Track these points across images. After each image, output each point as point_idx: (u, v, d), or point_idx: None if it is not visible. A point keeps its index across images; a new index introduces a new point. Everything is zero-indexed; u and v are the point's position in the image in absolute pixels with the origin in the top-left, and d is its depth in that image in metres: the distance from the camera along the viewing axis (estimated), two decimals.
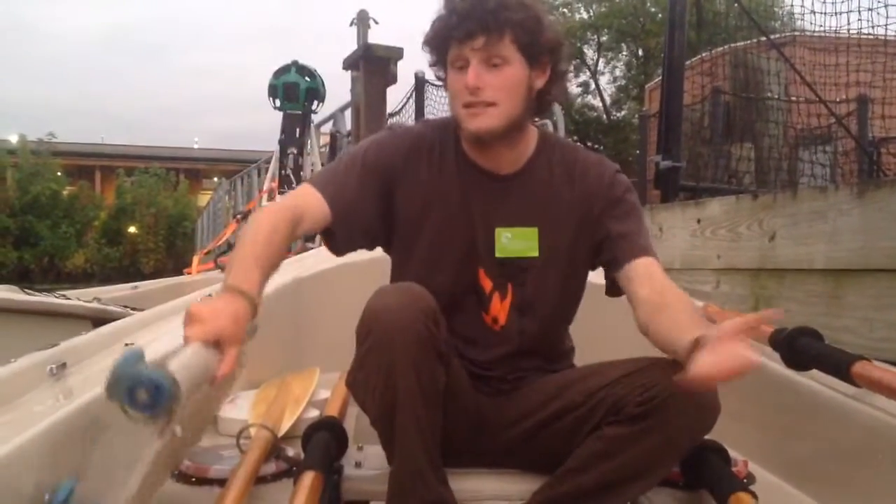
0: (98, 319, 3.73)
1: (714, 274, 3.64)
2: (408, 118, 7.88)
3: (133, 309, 4.22)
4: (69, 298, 4.16)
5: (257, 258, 1.41)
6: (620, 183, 1.69)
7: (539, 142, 1.70)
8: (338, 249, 1.68)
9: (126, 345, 2.11)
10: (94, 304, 4.10)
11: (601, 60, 27.99)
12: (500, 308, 1.66)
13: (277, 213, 1.55)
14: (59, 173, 33.80)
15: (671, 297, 1.53)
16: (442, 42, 1.58)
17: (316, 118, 8.69)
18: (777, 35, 6.87)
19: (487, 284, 1.66)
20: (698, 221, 3.80)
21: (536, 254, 1.64)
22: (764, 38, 6.20)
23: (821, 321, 2.85)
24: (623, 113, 27.47)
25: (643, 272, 1.58)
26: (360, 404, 1.59)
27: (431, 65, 1.65)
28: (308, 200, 1.59)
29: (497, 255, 1.64)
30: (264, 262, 1.42)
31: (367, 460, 1.71)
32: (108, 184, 36.76)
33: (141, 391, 1.13)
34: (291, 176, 8.06)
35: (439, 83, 1.70)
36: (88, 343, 2.09)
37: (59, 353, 1.86)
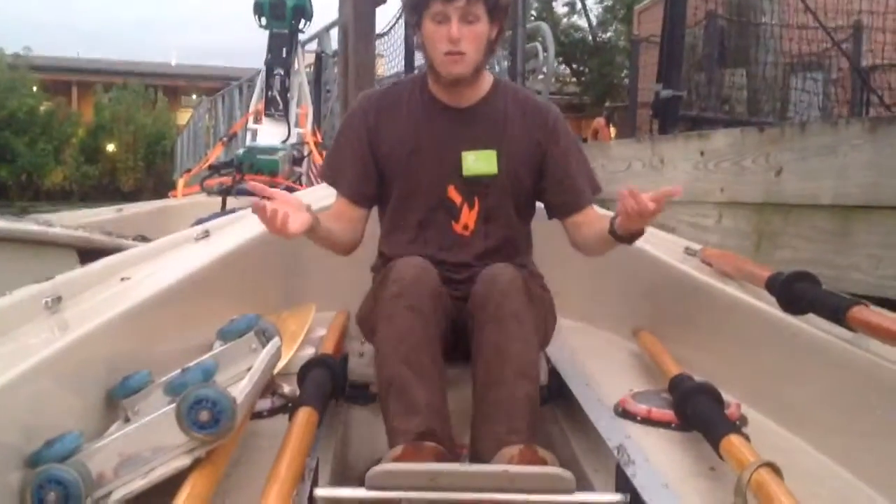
0: (84, 249, 3.70)
1: (716, 207, 3.58)
2: (397, 39, 7.70)
3: (118, 236, 4.18)
4: (53, 226, 4.06)
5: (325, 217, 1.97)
6: (562, 122, 2.14)
7: (494, 83, 2.11)
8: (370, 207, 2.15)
9: (122, 279, 2.10)
10: (80, 233, 4.00)
11: None
12: (469, 216, 2.06)
13: None
14: (35, 88, 33.13)
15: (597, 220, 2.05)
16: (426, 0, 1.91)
17: (302, 37, 8.47)
18: None
19: (457, 198, 2.05)
20: (701, 153, 3.73)
21: (496, 172, 2.04)
22: None
23: (827, 258, 2.85)
24: (609, 34, 27.02)
25: (582, 221, 2.08)
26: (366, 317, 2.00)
27: (411, 16, 2.00)
28: (339, 210, 2.10)
29: (464, 173, 2.03)
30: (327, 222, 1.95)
31: (369, 352, 1.99)
32: (85, 100, 36.01)
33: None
34: (278, 97, 7.86)
35: None
36: (83, 277, 2.12)
37: (53, 286, 1.89)
